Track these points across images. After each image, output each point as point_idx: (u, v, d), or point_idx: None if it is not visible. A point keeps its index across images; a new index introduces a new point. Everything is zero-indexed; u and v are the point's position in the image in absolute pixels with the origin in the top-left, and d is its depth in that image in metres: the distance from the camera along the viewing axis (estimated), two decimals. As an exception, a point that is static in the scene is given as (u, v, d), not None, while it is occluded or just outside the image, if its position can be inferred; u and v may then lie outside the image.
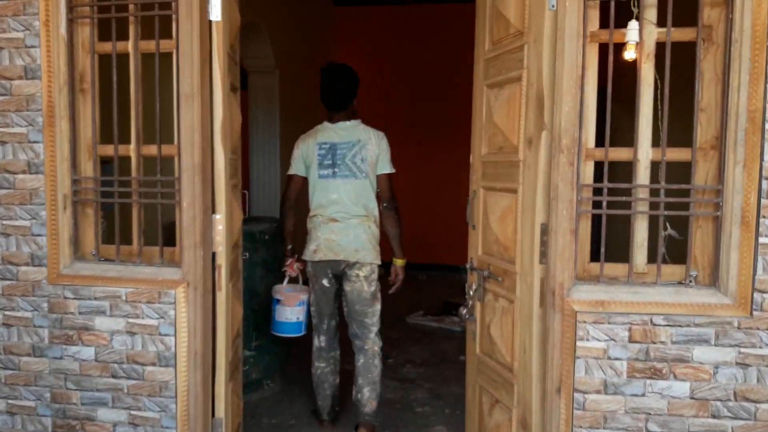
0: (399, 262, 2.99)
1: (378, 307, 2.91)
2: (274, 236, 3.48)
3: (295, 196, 2.97)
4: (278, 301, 3.03)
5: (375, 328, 2.91)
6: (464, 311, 2.30)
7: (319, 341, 2.99)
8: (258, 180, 5.32)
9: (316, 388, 3.02)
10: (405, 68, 7.05)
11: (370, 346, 2.91)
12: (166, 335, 2.04)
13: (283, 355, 3.66)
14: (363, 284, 2.84)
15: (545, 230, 1.84)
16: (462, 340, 4.46)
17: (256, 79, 5.25)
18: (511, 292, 2.02)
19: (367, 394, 2.85)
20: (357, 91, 2.96)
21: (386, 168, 2.85)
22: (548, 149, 1.84)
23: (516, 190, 1.99)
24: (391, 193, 2.88)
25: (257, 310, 3.39)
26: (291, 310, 2.99)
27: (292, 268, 2.98)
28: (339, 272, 2.85)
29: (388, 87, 7.10)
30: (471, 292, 2.30)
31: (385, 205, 2.88)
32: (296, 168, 2.92)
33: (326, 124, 2.92)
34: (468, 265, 2.35)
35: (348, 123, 2.87)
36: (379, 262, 2.88)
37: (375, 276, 2.87)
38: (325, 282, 2.88)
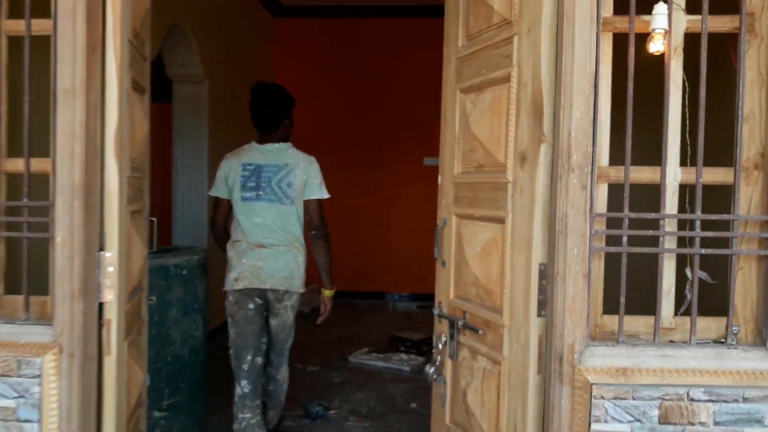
0: (328, 293, 2.86)
1: (294, 329, 2.83)
2: (193, 270, 2.92)
3: (224, 221, 2.79)
4: None
5: (288, 352, 2.87)
6: (431, 370, 1.83)
7: (242, 387, 2.69)
8: (182, 203, 4.71)
9: None
10: (351, 83, 6.63)
11: (282, 374, 2.89)
12: (26, 421, 1.46)
13: (203, 411, 3.08)
14: (289, 314, 2.73)
15: (545, 272, 1.41)
16: (412, 383, 4.11)
17: (181, 89, 4.67)
18: (496, 350, 1.57)
19: (272, 414, 2.95)
20: (290, 113, 2.81)
21: (315, 193, 2.70)
22: (548, 167, 1.42)
23: (503, 219, 1.55)
24: (321, 221, 2.74)
25: (171, 361, 2.81)
26: None
27: None
28: (264, 300, 2.69)
29: (332, 103, 6.65)
30: (440, 345, 1.84)
31: (314, 233, 2.74)
32: (218, 189, 2.75)
33: (254, 144, 2.77)
34: (436, 311, 1.89)
35: (277, 145, 2.73)
36: (304, 290, 2.76)
37: (298, 304, 2.77)
38: (251, 306, 2.67)
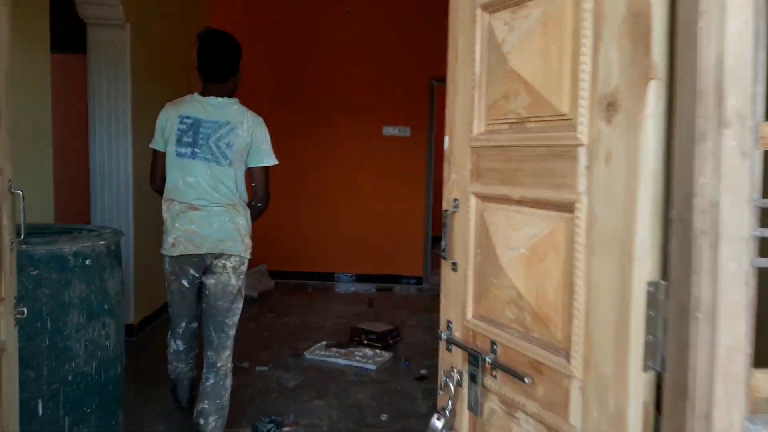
0: None
1: (240, 305, 2.56)
2: (100, 259, 2.24)
3: (163, 176, 2.52)
4: None
5: (232, 332, 2.55)
6: (439, 424, 1.24)
7: (176, 345, 2.68)
8: (101, 175, 3.93)
9: (175, 382, 2.82)
10: (300, 41, 5.88)
11: (224, 362, 2.52)
12: None
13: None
14: (230, 276, 2.49)
15: (658, 298, 0.83)
16: (380, 386, 3.34)
17: (97, 34, 3.85)
18: (555, 412, 1.00)
19: (213, 423, 2.46)
20: (238, 66, 2.57)
21: (262, 160, 2.50)
22: (661, 122, 0.84)
23: (570, 204, 0.97)
24: (266, 192, 2.55)
25: (72, 382, 2.14)
26: None
27: None
28: (202, 268, 2.50)
29: (278, 63, 5.89)
30: (450, 386, 1.25)
31: (253, 203, 2.56)
32: (156, 142, 2.54)
33: (196, 95, 2.51)
34: (443, 335, 1.30)
35: (221, 100, 2.48)
36: (249, 257, 2.53)
37: (244, 269, 2.54)
38: (185, 282, 2.52)
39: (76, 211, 4.32)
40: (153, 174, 2.58)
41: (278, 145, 2.57)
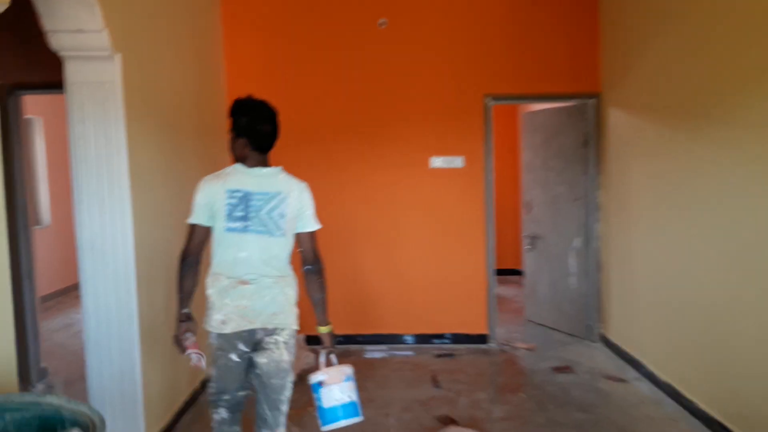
0: (325, 329, 2.53)
1: (292, 377, 2.48)
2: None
3: (199, 251, 2.40)
4: (320, 383, 2.42)
5: (286, 408, 2.47)
6: None
7: (219, 413, 2.47)
8: (92, 249, 2.99)
9: None
10: (327, 62, 4.95)
11: None
12: None
13: None
14: (282, 352, 2.43)
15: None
16: None
17: (77, 69, 2.92)
18: None
19: None
20: None
21: (309, 225, 2.50)
22: None
23: None
24: (316, 254, 2.52)
25: None
26: (340, 388, 2.41)
27: (195, 347, 2.35)
28: (252, 342, 2.42)
29: (303, 90, 4.96)
30: None
31: (309, 268, 2.51)
32: (199, 216, 2.38)
33: (239, 167, 2.42)
34: None
35: (266, 170, 2.43)
36: (298, 327, 2.50)
37: (294, 342, 2.49)
38: (234, 356, 2.41)
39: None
40: (189, 249, 2.39)
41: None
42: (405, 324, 5.08)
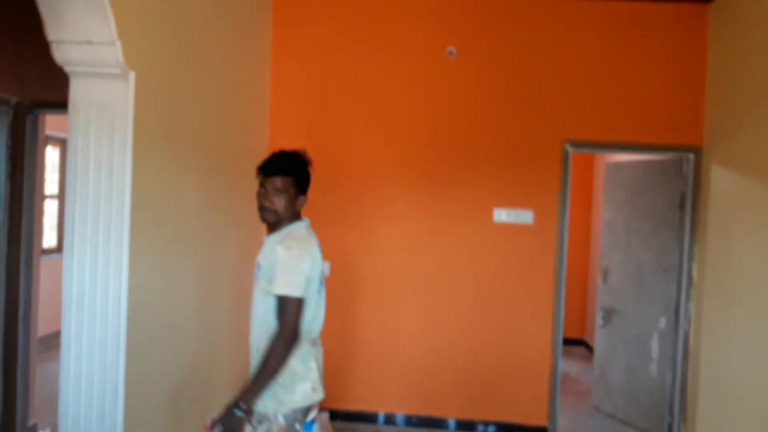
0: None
1: None
2: None
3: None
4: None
5: None
6: None
7: None
8: (78, 307, 2.43)
9: None
10: (386, 95, 4.38)
11: None
12: None
13: None
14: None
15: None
16: None
17: (83, 87, 2.42)
18: None
19: None
20: None
21: None
22: None
23: None
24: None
25: None
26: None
27: None
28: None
29: (357, 124, 4.40)
30: None
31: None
32: (305, 288, 2.23)
33: (307, 223, 2.40)
34: None
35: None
36: None
37: None
38: (297, 426, 2.26)
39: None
40: (297, 328, 2.18)
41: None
42: (448, 405, 4.34)
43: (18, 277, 3.51)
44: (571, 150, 4.24)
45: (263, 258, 2.29)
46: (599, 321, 5.01)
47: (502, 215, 4.28)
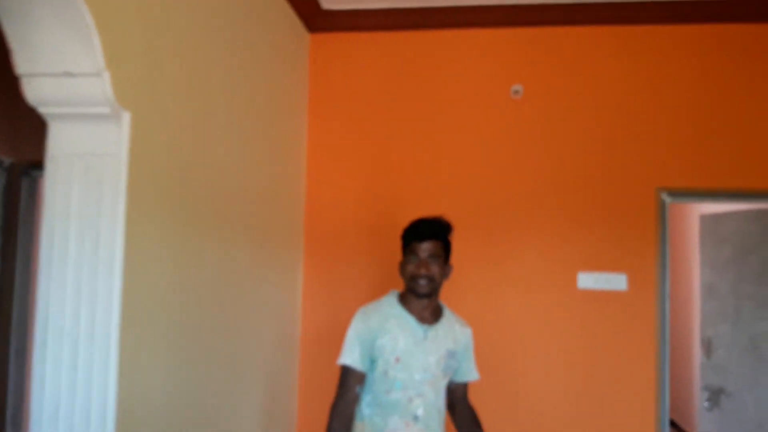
0: None
1: None
2: None
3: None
4: None
5: None
6: None
7: None
8: (51, 420, 1.78)
9: None
10: (444, 139, 3.75)
11: None
12: None
13: None
14: None
15: None
16: None
17: (63, 132, 1.85)
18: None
19: None
20: None
21: None
22: None
23: None
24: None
25: None
26: None
27: None
28: None
29: (413, 174, 3.76)
30: None
31: None
32: None
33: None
34: None
35: None
36: None
37: None
38: None
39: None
40: None
41: None
42: None
43: (7, 370, 2.91)
44: (668, 201, 3.49)
45: (451, 345, 2.23)
46: (704, 404, 4.11)
47: (587, 280, 3.51)
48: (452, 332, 2.28)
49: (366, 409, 2.19)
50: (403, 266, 2.23)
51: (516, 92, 3.62)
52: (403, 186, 3.70)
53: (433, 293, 2.21)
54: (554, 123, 3.62)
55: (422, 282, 2.16)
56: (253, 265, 2.91)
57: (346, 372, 2.14)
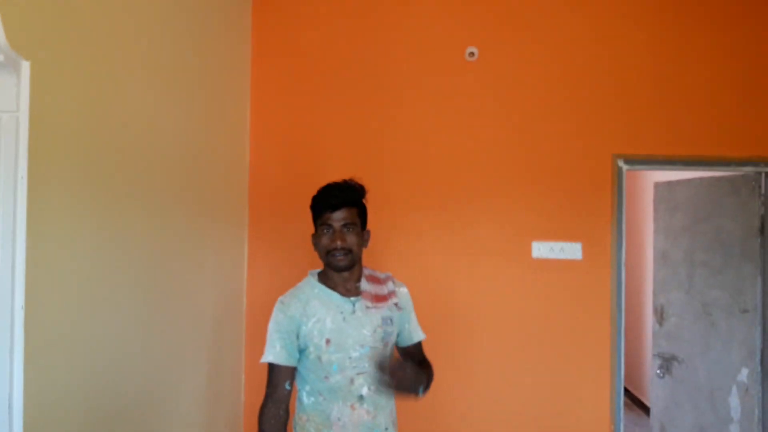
0: None
1: None
2: None
3: None
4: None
5: None
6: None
7: None
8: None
9: None
10: (394, 105, 3.58)
11: None
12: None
13: None
14: None
15: None
16: None
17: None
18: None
19: None
20: None
21: None
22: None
23: None
24: None
25: None
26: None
27: None
28: None
29: (363, 143, 3.59)
30: None
31: None
32: None
33: None
34: None
35: None
36: None
37: None
38: None
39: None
40: None
41: None
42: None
43: None
44: (625, 168, 3.43)
45: (385, 311, 2.09)
46: (656, 371, 4.14)
47: (542, 249, 3.44)
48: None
49: (306, 399, 2.04)
50: (316, 240, 2.05)
51: (471, 54, 3.46)
52: (352, 150, 3.53)
53: (353, 264, 2.04)
54: (509, 88, 3.49)
55: (339, 255, 1.99)
56: (190, 232, 2.70)
57: (271, 370, 2.00)
